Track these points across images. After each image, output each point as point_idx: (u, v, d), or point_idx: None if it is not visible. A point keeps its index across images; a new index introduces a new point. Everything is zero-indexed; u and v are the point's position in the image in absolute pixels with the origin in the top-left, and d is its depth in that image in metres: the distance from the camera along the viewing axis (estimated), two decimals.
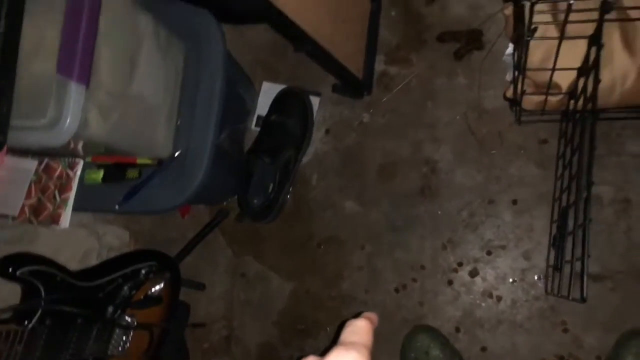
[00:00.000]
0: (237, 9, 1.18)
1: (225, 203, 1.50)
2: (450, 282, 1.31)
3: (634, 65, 1.07)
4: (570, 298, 0.80)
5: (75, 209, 1.22)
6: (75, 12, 0.89)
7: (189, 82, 1.21)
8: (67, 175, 1.25)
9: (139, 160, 1.19)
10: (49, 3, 0.92)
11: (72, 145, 1.09)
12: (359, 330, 0.38)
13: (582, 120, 0.87)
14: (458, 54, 1.36)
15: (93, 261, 1.39)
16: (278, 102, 1.44)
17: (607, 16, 0.80)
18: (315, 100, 1.46)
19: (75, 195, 1.22)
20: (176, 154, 1.19)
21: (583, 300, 0.75)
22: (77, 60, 0.87)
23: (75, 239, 1.42)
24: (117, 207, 1.19)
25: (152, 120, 1.12)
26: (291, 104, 1.44)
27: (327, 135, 1.45)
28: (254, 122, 1.50)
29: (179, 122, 1.20)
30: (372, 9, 1.41)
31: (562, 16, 0.88)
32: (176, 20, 1.20)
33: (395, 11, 1.43)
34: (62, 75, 0.86)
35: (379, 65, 1.42)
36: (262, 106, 1.48)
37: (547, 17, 1.01)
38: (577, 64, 1.04)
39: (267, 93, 1.49)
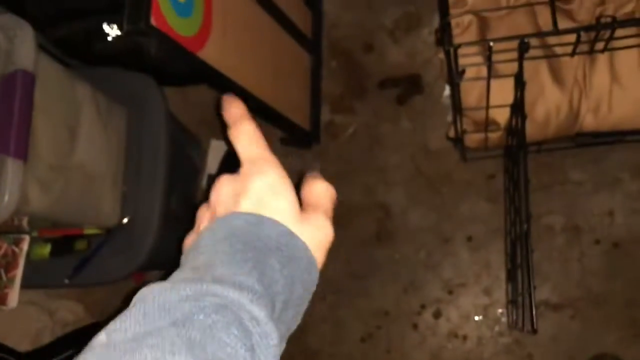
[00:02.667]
0: (176, 72, 1.19)
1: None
2: (415, 326, 1.30)
3: (565, 98, 1.11)
4: (525, 330, 0.80)
5: (24, 286, 1.17)
6: (8, 87, 0.88)
7: (132, 146, 1.20)
8: (13, 252, 1.20)
9: (86, 231, 1.16)
10: None
11: (15, 222, 1.06)
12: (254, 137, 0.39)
13: (517, 155, 0.89)
14: (400, 99, 1.39)
15: (47, 340, 1.33)
16: (227, 160, 1.44)
17: (530, 54, 0.83)
18: None
19: (23, 272, 1.18)
20: (124, 221, 1.16)
21: (534, 331, 0.75)
22: (13, 134, 0.86)
23: (25, 318, 1.36)
24: (66, 281, 1.15)
25: (96, 189, 1.10)
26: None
27: None
28: (204, 181, 1.48)
29: (124, 189, 1.18)
30: (312, 62, 1.44)
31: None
32: (116, 86, 1.19)
33: (336, 62, 1.46)
34: None
35: (325, 115, 1.44)
36: (212, 164, 1.48)
37: (477, 59, 1.05)
38: (512, 100, 1.07)
39: (216, 151, 1.48)
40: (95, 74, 1.16)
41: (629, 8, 1.09)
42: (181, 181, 1.36)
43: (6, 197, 0.85)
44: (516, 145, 0.89)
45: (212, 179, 1.43)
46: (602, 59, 1.08)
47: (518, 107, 0.85)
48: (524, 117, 0.82)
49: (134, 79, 1.21)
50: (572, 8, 1.10)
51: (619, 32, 0.95)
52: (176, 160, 1.25)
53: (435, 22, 1.40)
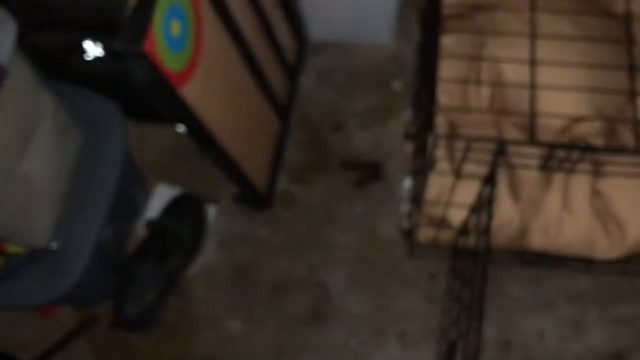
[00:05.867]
0: (148, 104, 1.16)
1: (95, 307, 1.37)
2: None
3: (517, 213, 1.15)
4: None
5: None
6: None
7: (82, 173, 1.14)
8: None
9: (9, 248, 1.07)
10: None
11: None
12: None
13: (474, 253, 0.90)
14: (358, 183, 1.41)
15: None
16: (172, 207, 1.39)
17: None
18: (212, 209, 1.42)
19: None
20: (52, 246, 1.08)
21: None
22: None
23: None
24: None
25: (34, 205, 1.03)
26: (186, 209, 1.39)
27: (219, 247, 1.40)
28: (143, 224, 1.42)
29: (61, 213, 1.11)
30: (280, 128, 1.45)
31: (459, 155, 0.94)
32: (80, 107, 1.15)
33: (302, 133, 1.48)
34: None
35: (282, 183, 1.43)
36: (154, 209, 1.42)
37: (443, 157, 1.08)
38: (470, 201, 1.10)
39: (161, 196, 1.43)
40: (63, 90, 1.12)
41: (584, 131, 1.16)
42: (116, 218, 1.29)
43: None
44: (475, 244, 0.90)
45: (151, 224, 1.37)
46: (557, 183, 1.14)
47: (484, 206, 0.87)
48: (491, 215, 0.84)
49: (99, 104, 1.17)
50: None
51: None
52: (119, 196, 1.19)
53: (405, 117, 1.45)
